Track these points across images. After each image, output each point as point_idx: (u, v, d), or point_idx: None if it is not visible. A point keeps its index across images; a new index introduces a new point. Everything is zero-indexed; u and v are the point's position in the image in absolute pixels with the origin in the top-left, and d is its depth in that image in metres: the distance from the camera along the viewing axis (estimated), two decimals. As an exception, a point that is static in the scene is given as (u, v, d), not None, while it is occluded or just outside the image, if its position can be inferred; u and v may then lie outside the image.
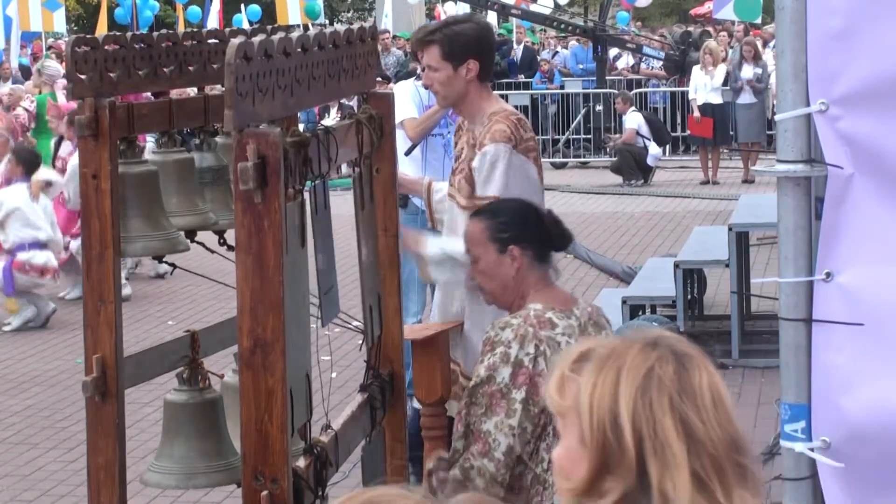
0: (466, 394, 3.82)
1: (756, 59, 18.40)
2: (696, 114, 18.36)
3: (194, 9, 28.46)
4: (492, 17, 24.56)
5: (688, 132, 19.78)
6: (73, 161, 11.01)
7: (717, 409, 1.99)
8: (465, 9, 23.49)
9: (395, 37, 25.20)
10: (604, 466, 1.97)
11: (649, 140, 18.34)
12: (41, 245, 10.76)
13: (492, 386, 3.76)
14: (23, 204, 10.77)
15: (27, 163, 11.04)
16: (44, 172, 11.28)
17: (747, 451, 2.01)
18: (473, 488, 3.81)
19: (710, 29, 23.67)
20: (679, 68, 20.87)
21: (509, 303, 4.00)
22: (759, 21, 21.04)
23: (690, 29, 24.99)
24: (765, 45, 20.40)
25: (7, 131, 12.62)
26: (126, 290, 11.76)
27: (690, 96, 18.84)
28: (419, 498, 1.60)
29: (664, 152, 20.91)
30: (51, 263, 10.82)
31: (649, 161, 18.33)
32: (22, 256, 10.67)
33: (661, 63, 22.03)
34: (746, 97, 18.22)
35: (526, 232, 3.98)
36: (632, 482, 1.95)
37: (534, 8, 23.06)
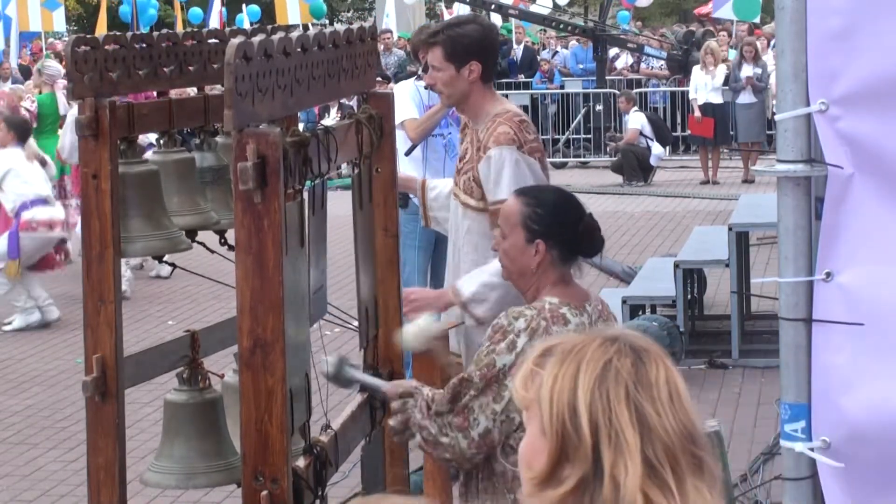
0: (466, 372, 3.81)
1: (756, 59, 18.39)
2: (697, 114, 18.35)
3: (196, 10, 28.46)
4: (496, 19, 24.55)
5: (688, 132, 19.78)
6: (73, 112, 11.02)
7: (672, 401, 2.06)
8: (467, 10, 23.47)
9: (398, 37, 25.19)
10: (563, 455, 2.04)
11: (652, 140, 18.33)
12: (43, 201, 10.72)
13: (491, 370, 3.76)
14: (18, 165, 10.68)
15: (19, 129, 10.98)
16: (37, 149, 11.30)
17: (703, 445, 2.08)
18: (440, 444, 3.81)
19: (712, 28, 23.66)
20: (682, 68, 20.86)
21: (525, 288, 4.00)
22: (757, 20, 21.04)
23: (694, 28, 24.99)
24: (769, 45, 20.39)
25: (7, 108, 12.58)
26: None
27: (691, 96, 18.83)
28: None
29: (665, 152, 20.93)
30: (56, 216, 10.77)
31: (652, 161, 18.31)
32: (26, 215, 10.63)
33: (660, 63, 22.02)
34: (746, 97, 18.22)
35: (558, 230, 3.96)
36: (587, 469, 2.03)
37: (533, 9, 23.03)
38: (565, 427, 2.04)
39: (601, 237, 4.05)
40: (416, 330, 4.29)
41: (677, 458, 2.04)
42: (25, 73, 21.68)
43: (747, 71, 18.20)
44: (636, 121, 18.50)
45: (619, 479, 2.01)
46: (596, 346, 2.09)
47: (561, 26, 22.35)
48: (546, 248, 3.91)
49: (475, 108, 5.08)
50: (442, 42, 5.07)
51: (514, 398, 2.18)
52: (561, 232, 3.95)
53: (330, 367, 4.05)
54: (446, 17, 27.97)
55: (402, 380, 4.10)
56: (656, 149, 18.35)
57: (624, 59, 23.51)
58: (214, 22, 26.21)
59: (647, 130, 18.36)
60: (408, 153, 7.92)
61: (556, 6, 26.06)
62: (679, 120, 20.93)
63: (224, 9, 28.01)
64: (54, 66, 14.95)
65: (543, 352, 2.13)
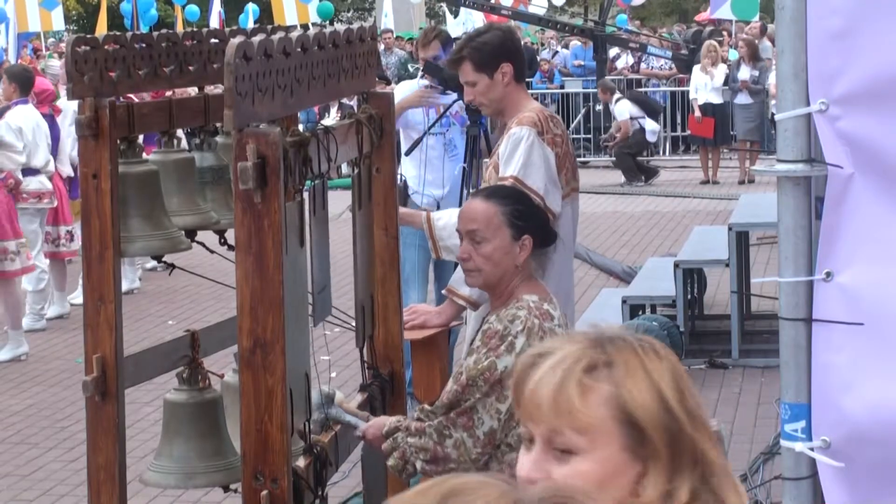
0: (465, 378, 3.82)
1: (754, 59, 18.34)
2: (698, 114, 18.31)
3: (192, 8, 28.46)
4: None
5: (688, 132, 19.77)
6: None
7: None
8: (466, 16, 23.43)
9: (398, 37, 25.18)
10: (671, 466, 1.96)
11: (643, 118, 18.27)
12: (34, 171, 10.43)
13: (493, 373, 3.77)
14: (25, 126, 10.37)
15: (20, 79, 10.68)
16: None
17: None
18: (444, 455, 3.80)
19: (719, 28, 23.63)
20: (689, 68, 20.83)
21: (499, 292, 3.99)
22: (756, 20, 21.03)
23: (702, 28, 24.98)
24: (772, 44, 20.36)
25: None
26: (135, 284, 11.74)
27: (691, 96, 18.82)
28: (504, 486, 1.52)
29: (663, 151, 20.91)
30: (45, 187, 10.52)
31: (649, 137, 18.26)
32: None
33: (661, 63, 22.00)
34: (743, 98, 18.19)
35: (538, 222, 4.00)
36: (692, 461, 1.96)
37: (530, 9, 23.00)
38: (670, 434, 1.95)
39: (553, 228, 4.16)
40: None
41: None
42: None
43: (744, 73, 18.18)
44: (623, 110, 18.44)
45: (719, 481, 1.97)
46: (635, 347, 2.01)
47: (557, 26, 22.31)
48: (532, 241, 3.94)
49: (512, 110, 5.15)
50: (468, 55, 5.16)
51: (572, 421, 1.97)
52: (539, 224, 4.00)
53: (314, 402, 4.02)
54: (449, 18, 28.01)
55: (377, 418, 4.09)
56: (649, 125, 18.28)
57: (624, 59, 23.51)
58: (214, 22, 26.20)
59: (636, 111, 18.31)
60: (408, 153, 7.93)
61: (550, 5, 26.03)
62: (679, 120, 20.92)
63: (222, 10, 27.98)
64: (58, 66, 14.91)
65: (588, 366, 1.98)
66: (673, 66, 21.71)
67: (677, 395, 1.97)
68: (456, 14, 26.98)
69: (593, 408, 1.95)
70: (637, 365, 1.99)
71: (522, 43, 23.78)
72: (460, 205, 7.43)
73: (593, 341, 2.02)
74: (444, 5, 31.65)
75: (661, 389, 1.97)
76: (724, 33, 22.28)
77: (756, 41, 19.42)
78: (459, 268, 4.82)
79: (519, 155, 4.92)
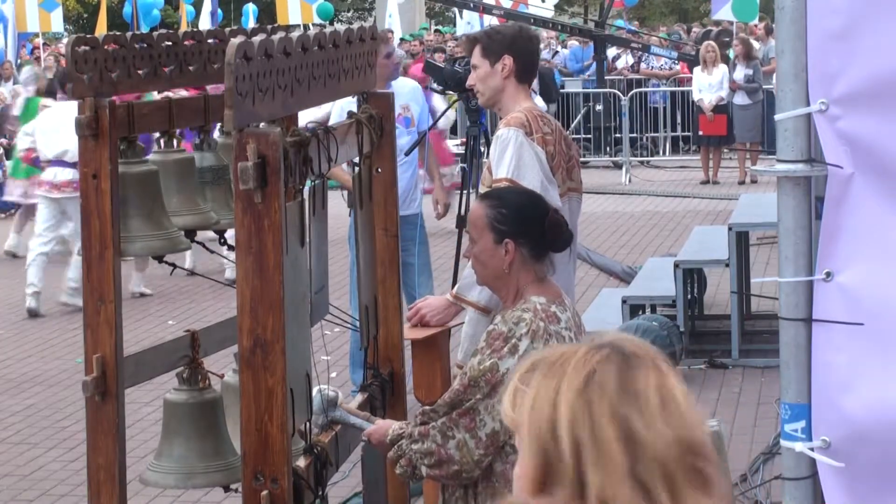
0: (467, 378, 3.82)
1: (748, 58, 18.30)
2: (708, 113, 18.18)
3: (190, 8, 28.43)
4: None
5: (688, 132, 19.73)
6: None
7: (665, 410, 1.86)
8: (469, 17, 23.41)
9: (402, 39, 25.13)
10: (546, 477, 1.87)
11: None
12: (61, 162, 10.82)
13: (495, 375, 3.78)
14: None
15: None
16: None
17: (707, 455, 1.88)
18: (447, 456, 3.80)
19: (721, 28, 23.60)
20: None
21: (502, 291, 4.00)
22: (757, 21, 21.03)
23: (711, 28, 24.97)
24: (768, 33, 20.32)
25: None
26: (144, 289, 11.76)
27: (694, 97, 18.76)
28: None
29: (664, 151, 20.88)
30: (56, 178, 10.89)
31: None
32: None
33: (661, 62, 21.99)
34: (741, 98, 18.15)
35: (525, 228, 3.97)
36: (572, 493, 1.84)
37: (539, 12, 23.00)
38: (546, 447, 1.85)
39: (569, 231, 4.07)
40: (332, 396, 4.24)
41: (673, 474, 1.84)
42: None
43: (738, 73, 18.16)
44: None
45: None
46: (581, 355, 1.91)
47: (551, 25, 22.29)
48: (515, 246, 3.92)
49: (507, 107, 5.18)
50: (479, 38, 5.33)
51: (504, 421, 1.97)
52: (527, 229, 3.97)
53: (316, 405, 4.02)
54: (458, 19, 28.00)
55: (382, 421, 4.09)
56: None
57: (624, 59, 23.51)
58: (205, 22, 26.08)
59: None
60: (408, 152, 7.93)
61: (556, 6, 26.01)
62: (679, 120, 20.90)
63: (220, 10, 27.94)
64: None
65: (530, 367, 1.95)
66: (673, 66, 21.69)
67: (580, 420, 1.85)
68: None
69: (516, 410, 1.92)
70: (557, 372, 1.89)
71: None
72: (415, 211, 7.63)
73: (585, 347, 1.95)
74: (456, 10, 31.64)
75: (557, 404, 1.87)
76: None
77: (751, 39, 19.37)
78: (468, 274, 4.83)
79: (509, 156, 4.92)
